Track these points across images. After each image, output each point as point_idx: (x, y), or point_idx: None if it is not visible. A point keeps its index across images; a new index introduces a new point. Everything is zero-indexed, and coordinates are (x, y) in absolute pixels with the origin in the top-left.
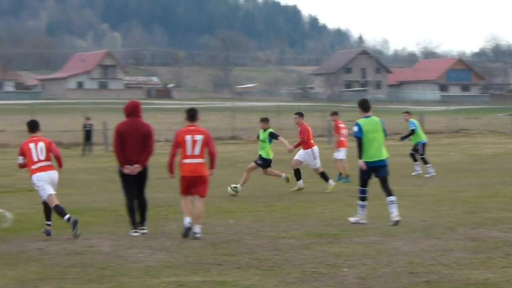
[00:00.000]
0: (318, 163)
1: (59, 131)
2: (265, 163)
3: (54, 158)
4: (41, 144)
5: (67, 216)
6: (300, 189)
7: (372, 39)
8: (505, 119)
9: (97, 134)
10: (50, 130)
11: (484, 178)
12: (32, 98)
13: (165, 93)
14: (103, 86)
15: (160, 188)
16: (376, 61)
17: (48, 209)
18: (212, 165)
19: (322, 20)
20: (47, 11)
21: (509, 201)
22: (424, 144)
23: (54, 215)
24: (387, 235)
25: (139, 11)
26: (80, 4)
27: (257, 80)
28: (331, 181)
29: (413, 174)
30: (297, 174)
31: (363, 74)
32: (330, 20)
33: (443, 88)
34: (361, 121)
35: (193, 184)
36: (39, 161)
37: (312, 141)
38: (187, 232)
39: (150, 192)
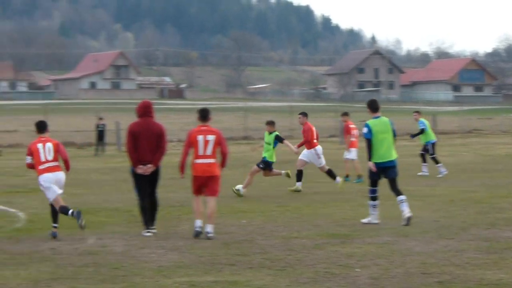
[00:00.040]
0: (322, 162)
1: (71, 131)
2: (267, 166)
3: (62, 161)
4: (49, 145)
5: (70, 211)
6: (297, 190)
7: (385, 39)
8: None
9: (110, 134)
10: (63, 130)
11: (497, 178)
12: (45, 98)
13: (177, 93)
14: (115, 86)
15: (173, 188)
16: (389, 61)
17: (55, 212)
18: (223, 164)
19: (334, 20)
20: (59, 11)
21: None
22: (433, 144)
23: (61, 216)
24: (400, 235)
25: (152, 11)
26: (93, 4)
27: (269, 80)
28: (338, 179)
29: (418, 174)
30: (299, 175)
31: (376, 74)
32: (343, 20)
33: (456, 88)
34: (370, 122)
35: (205, 184)
36: (47, 161)
37: (315, 140)
38: (197, 235)
39: (163, 192)
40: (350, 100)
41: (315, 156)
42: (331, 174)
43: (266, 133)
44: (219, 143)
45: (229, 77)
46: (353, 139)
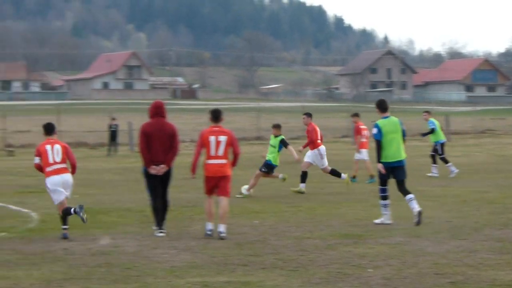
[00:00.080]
0: (325, 163)
1: (84, 131)
2: (270, 169)
3: (70, 165)
4: (57, 147)
5: (72, 209)
6: (300, 192)
7: (397, 39)
8: None
9: (123, 134)
10: (76, 130)
11: (510, 178)
12: (58, 99)
13: (190, 94)
14: (128, 86)
15: (185, 188)
16: (402, 62)
17: (70, 215)
18: (233, 163)
19: (347, 21)
20: (72, 11)
21: None
22: (442, 144)
23: (72, 217)
24: (412, 235)
25: (164, 11)
26: (106, 5)
27: (282, 80)
28: (343, 175)
29: (428, 174)
30: (303, 177)
31: (389, 74)
32: (356, 21)
33: (469, 88)
34: (380, 122)
35: (216, 184)
36: (55, 163)
37: (319, 141)
38: (208, 236)
39: (175, 193)
40: (362, 101)
41: (318, 156)
42: (335, 173)
43: (272, 136)
44: (231, 143)
45: (242, 78)
46: (363, 140)
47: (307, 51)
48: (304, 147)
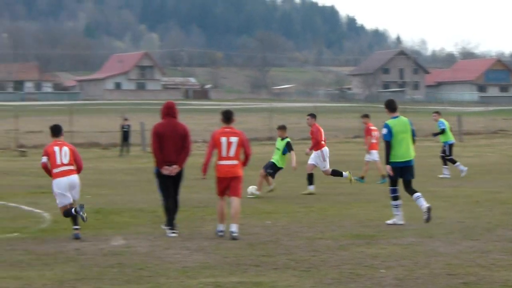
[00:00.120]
0: (327, 165)
1: (96, 132)
2: (274, 170)
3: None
4: (65, 149)
5: (73, 210)
6: (310, 193)
7: (410, 39)
8: None
9: (135, 135)
10: (88, 131)
11: None
12: (70, 99)
13: (202, 94)
14: (140, 87)
15: (197, 188)
16: (414, 62)
17: (72, 214)
18: (244, 163)
19: (360, 21)
20: (85, 12)
21: None
22: (451, 145)
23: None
24: (425, 236)
25: (177, 12)
26: (118, 5)
27: (294, 81)
28: (345, 173)
29: (439, 176)
30: (310, 179)
31: (401, 74)
32: (368, 21)
33: (481, 88)
34: (390, 122)
35: (228, 185)
36: (62, 164)
37: (323, 142)
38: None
39: (187, 193)
40: (375, 101)
41: (320, 157)
42: (336, 173)
43: (279, 139)
44: (242, 144)
45: (254, 78)
46: (373, 141)
47: (319, 51)
48: (311, 149)
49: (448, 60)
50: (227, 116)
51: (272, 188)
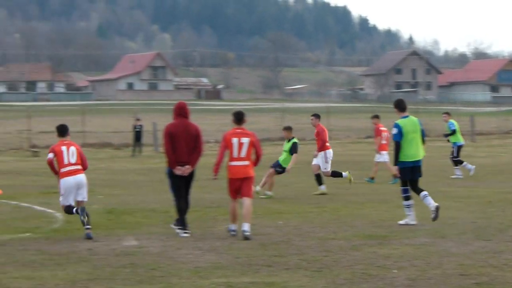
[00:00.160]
0: (328, 167)
1: (109, 132)
2: (282, 171)
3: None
4: (72, 149)
5: (74, 209)
6: (322, 193)
7: (422, 39)
8: None
9: (147, 135)
10: (100, 131)
11: None
12: (83, 99)
13: (214, 94)
14: (152, 87)
15: (209, 189)
16: (427, 62)
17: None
18: (255, 163)
19: (372, 21)
20: (97, 12)
21: None
22: (459, 147)
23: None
24: (437, 236)
25: (189, 12)
26: (130, 6)
27: (306, 81)
28: (344, 173)
29: (452, 177)
30: (319, 179)
31: (413, 75)
32: (380, 21)
33: (494, 89)
34: (400, 121)
35: (239, 186)
36: (70, 164)
37: (327, 143)
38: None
39: (199, 193)
40: (387, 101)
41: (322, 159)
42: (336, 174)
43: (286, 141)
44: (253, 145)
45: (266, 78)
46: (383, 142)
47: (331, 51)
48: (319, 151)
49: (460, 60)
50: (239, 117)
51: (270, 195)
